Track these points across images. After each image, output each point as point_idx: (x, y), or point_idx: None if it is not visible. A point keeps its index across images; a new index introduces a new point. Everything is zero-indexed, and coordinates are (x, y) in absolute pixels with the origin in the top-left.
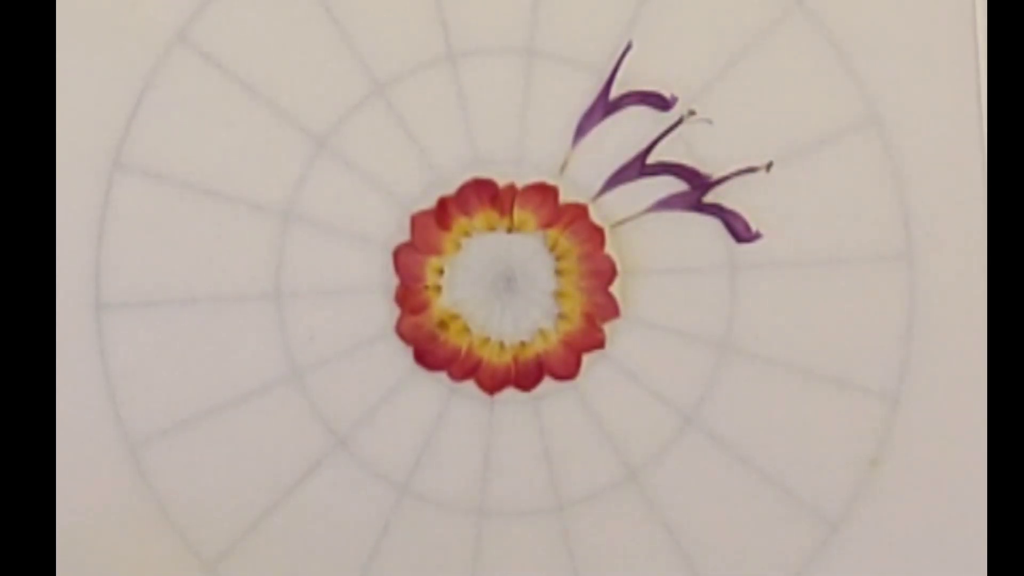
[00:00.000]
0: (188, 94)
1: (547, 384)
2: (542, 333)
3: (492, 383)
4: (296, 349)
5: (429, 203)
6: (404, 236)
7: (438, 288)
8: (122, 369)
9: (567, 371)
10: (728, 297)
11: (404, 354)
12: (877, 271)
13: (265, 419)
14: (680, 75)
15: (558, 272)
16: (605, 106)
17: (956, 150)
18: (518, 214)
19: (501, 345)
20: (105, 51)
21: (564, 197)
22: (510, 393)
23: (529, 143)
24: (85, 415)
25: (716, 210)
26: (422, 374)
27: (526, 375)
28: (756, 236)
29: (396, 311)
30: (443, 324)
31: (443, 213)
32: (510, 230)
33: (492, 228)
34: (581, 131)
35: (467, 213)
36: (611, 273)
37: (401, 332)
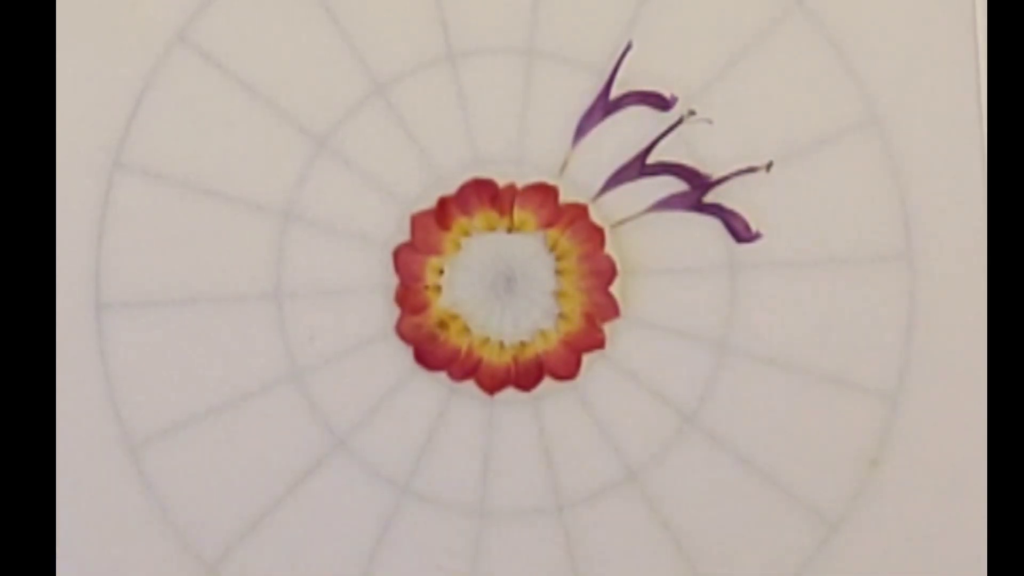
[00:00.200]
0: (188, 94)
1: (547, 384)
2: (542, 333)
3: (492, 383)
4: (296, 349)
5: (429, 203)
6: (404, 236)
7: (438, 288)
8: (122, 369)
9: (567, 371)
10: (728, 297)
11: (404, 354)
12: (877, 271)
13: (265, 419)
14: (680, 75)
15: (558, 272)
16: (605, 106)
17: (956, 150)
18: (518, 214)
19: (501, 345)
20: (105, 51)
21: (564, 197)
22: (510, 393)
23: (529, 143)
24: (85, 415)
25: (716, 210)
26: (422, 374)
27: (526, 375)
28: (756, 236)
29: (396, 311)
30: (443, 324)
31: (443, 213)
32: (510, 230)
33: (492, 228)
34: (581, 131)
35: (467, 213)
36: (611, 273)
37: (401, 332)
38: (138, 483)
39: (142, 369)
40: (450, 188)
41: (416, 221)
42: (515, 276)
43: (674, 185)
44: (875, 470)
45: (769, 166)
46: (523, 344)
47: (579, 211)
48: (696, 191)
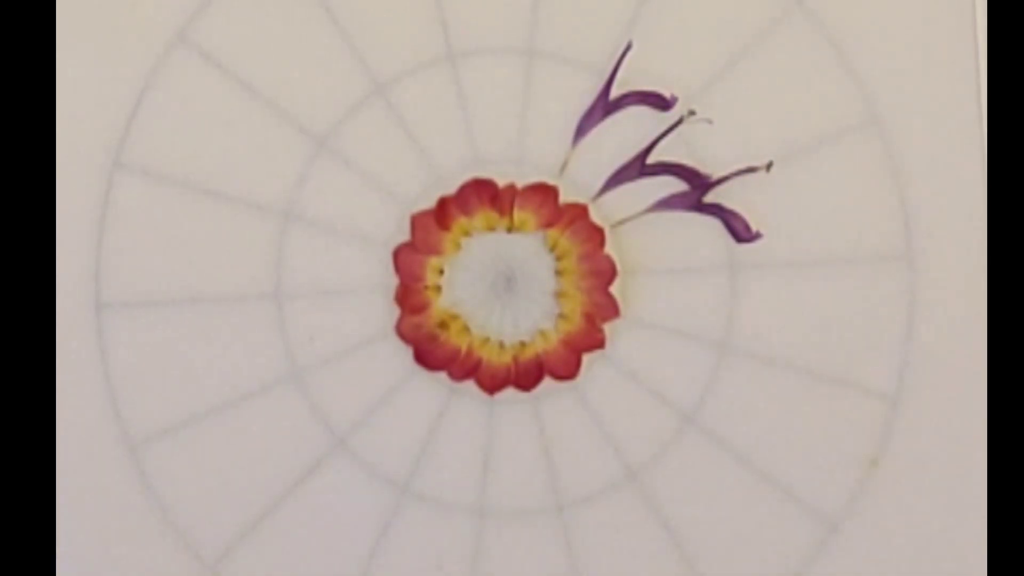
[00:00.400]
0: (188, 94)
1: (547, 384)
2: (542, 333)
3: (492, 383)
4: (296, 349)
5: (429, 203)
6: (404, 236)
7: (438, 288)
8: (122, 369)
9: (567, 371)
10: (728, 297)
11: (404, 354)
12: (877, 271)
13: (265, 419)
14: (680, 75)
15: (558, 272)
16: (605, 106)
17: (956, 150)
18: (518, 214)
19: (501, 345)
20: (105, 51)
21: (564, 197)
22: (510, 393)
23: (529, 143)
24: (85, 415)
25: (716, 210)
26: (422, 374)
27: (526, 375)
28: (756, 236)
29: (396, 311)
30: (443, 324)
31: (443, 213)
32: (510, 230)
33: (492, 228)
34: (581, 131)
35: (467, 213)
36: (611, 273)
37: (401, 332)
38: (138, 483)
39: (142, 369)
40: (450, 188)
41: (416, 221)
42: (515, 276)
43: (674, 185)
44: (875, 470)
45: (769, 166)
46: (523, 344)
47: (579, 211)
48: (696, 191)
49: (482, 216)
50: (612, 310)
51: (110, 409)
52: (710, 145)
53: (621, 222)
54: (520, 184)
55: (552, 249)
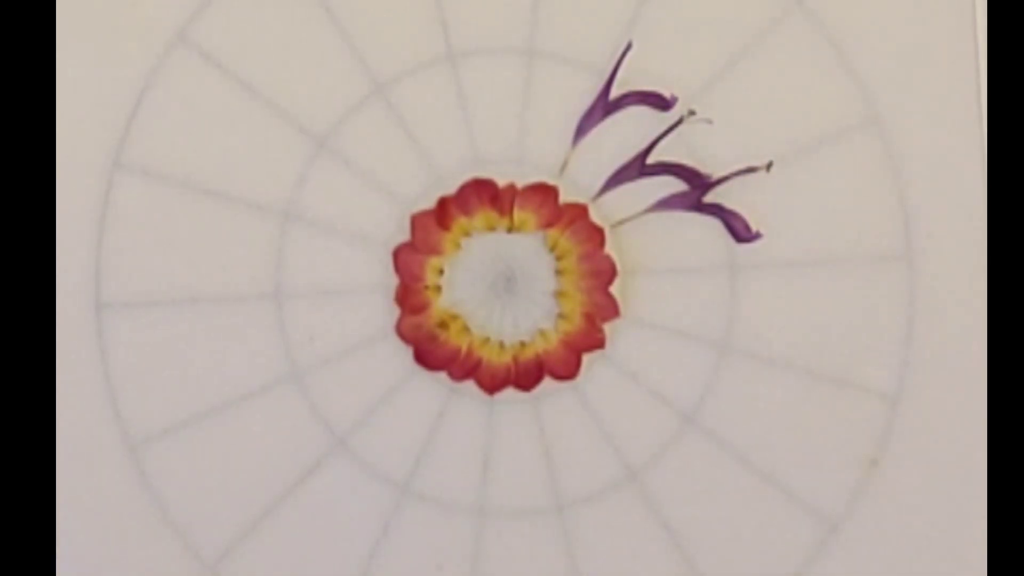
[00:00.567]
0: (188, 94)
1: (547, 384)
2: (542, 333)
3: (492, 383)
4: (296, 349)
5: (429, 203)
6: (404, 236)
7: (438, 288)
8: (122, 369)
9: (567, 371)
10: (728, 297)
11: (404, 354)
12: (877, 271)
13: (265, 419)
14: (680, 75)
15: (558, 272)
16: (605, 106)
17: (956, 150)
18: (518, 214)
19: (501, 345)
20: (105, 51)
21: (564, 197)
22: (510, 393)
23: (529, 143)
24: (85, 415)
25: (716, 210)
26: (422, 374)
27: (526, 375)
28: (756, 236)
29: (396, 311)
30: (443, 324)
31: (443, 213)
32: (510, 230)
33: (492, 228)
34: (581, 131)
35: (467, 213)
36: (611, 273)
37: (401, 332)
38: (138, 483)
39: (142, 369)
40: (450, 188)
41: (416, 221)
42: (515, 276)
43: (674, 185)
44: (875, 470)
45: (769, 166)
46: (523, 344)
47: (579, 211)
48: (696, 191)
49: (482, 216)
50: (612, 310)
51: (110, 409)
52: (710, 145)
53: (621, 222)
54: (520, 184)
55: (552, 249)
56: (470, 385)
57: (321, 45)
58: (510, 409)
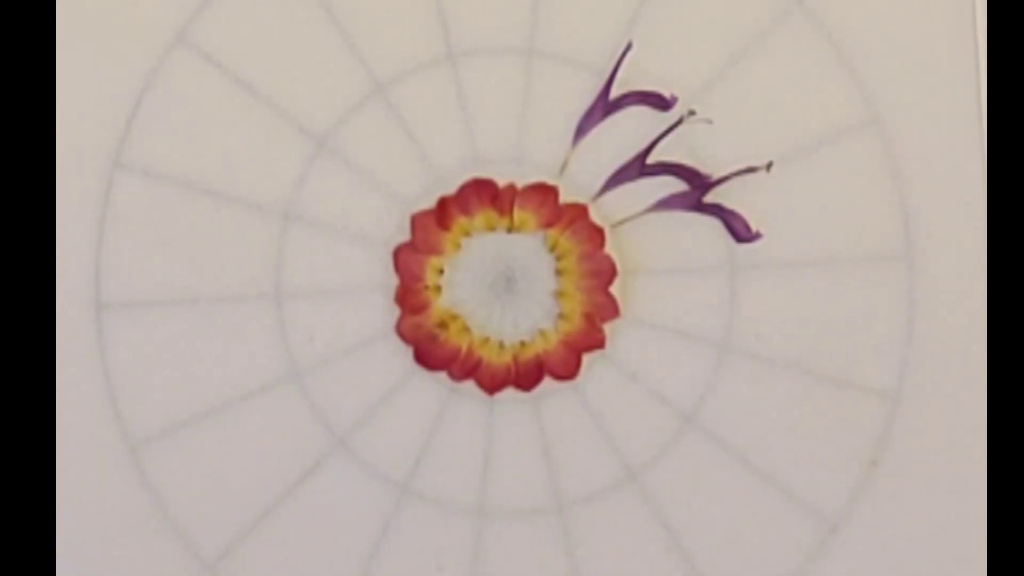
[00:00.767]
0: (188, 94)
1: (547, 384)
2: (542, 333)
3: (492, 383)
4: (296, 349)
5: (429, 203)
6: (404, 236)
7: (438, 288)
8: (122, 369)
9: (567, 371)
10: (728, 297)
11: (404, 354)
12: (877, 271)
13: (265, 419)
14: (680, 75)
15: (558, 272)
16: (605, 106)
17: (956, 150)
18: (518, 214)
19: (501, 345)
20: (105, 51)
21: (564, 197)
22: (510, 393)
23: (529, 143)
24: (85, 415)
25: (716, 210)
26: (422, 374)
27: (526, 375)
28: (756, 236)
29: (396, 311)
30: (443, 324)
31: (443, 213)
32: (510, 230)
33: (492, 228)
34: (581, 131)
35: (467, 213)
36: (611, 273)
37: (401, 332)
38: (138, 483)
39: (142, 369)
40: (450, 188)
41: (416, 221)
42: (515, 276)
43: (674, 185)
44: (875, 470)
45: (769, 166)
46: (523, 344)
47: (579, 211)
48: (696, 191)
49: (482, 216)
50: (612, 310)
51: (110, 409)
52: (710, 145)
53: (621, 222)
54: (520, 184)
55: (552, 249)
56: (470, 385)
57: (321, 45)
58: (510, 409)
